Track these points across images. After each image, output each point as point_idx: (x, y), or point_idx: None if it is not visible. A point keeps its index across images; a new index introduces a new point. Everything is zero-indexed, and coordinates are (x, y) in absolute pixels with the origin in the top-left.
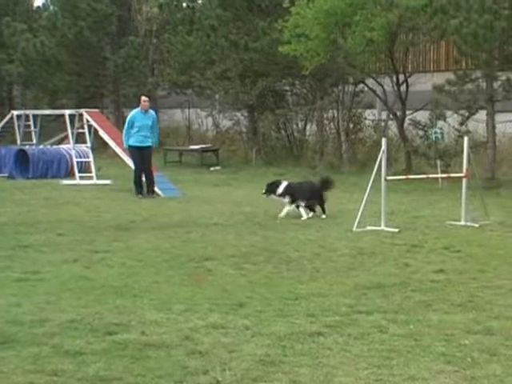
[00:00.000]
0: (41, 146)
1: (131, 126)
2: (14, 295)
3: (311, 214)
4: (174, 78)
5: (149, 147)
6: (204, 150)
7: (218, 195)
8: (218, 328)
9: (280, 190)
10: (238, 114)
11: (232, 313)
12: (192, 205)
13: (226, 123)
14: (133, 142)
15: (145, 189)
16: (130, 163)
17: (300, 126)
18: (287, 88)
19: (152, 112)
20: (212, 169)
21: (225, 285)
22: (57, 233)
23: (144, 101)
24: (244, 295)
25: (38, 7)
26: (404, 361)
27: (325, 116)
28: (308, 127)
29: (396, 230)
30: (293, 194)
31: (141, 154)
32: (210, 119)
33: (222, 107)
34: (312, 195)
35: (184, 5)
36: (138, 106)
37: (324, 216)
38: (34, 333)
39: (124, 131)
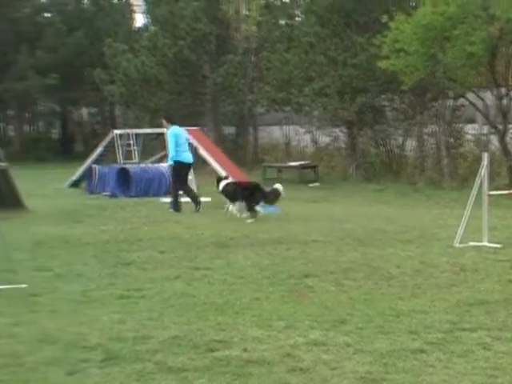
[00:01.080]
0: (142, 165)
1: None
2: (118, 312)
3: (247, 215)
4: (272, 95)
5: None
6: (303, 167)
7: (316, 211)
8: (319, 345)
9: (220, 187)
10: (337, 131)
11: (333, 330)
12: (291, 221)
13: (324, 139)
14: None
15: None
16: (230, 180)
17: (399, 141)
18: (386, 103)
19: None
20: (311, 185)
21: (325, 301)
22: (158, 250)
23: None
24: (345, 312)
25: (139, 28)
26: (509, 379)
27: (424, 131)
28: (407, 142)
29: (499, 245)
30: (229, 192)
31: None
32: (308, 136)
33: (321, 124)
34: (251, 196)
35: (282, 22)
36: (236, 123)
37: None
38: (137, 349)
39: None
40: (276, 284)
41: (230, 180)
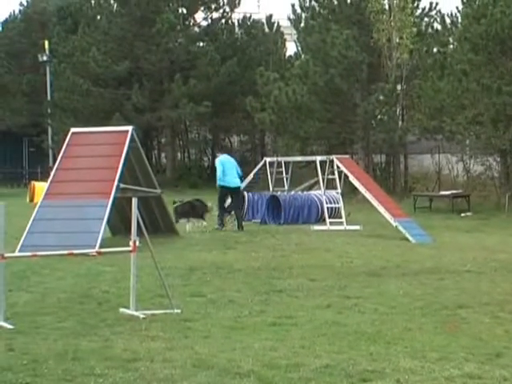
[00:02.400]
0: (292, 192)
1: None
2: (269, 339)
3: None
4: (424, 123)
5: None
6: (454, 196)
7: (469, 241)
8: (475, 378)
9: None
10: (490, 159)
11: (488, 363)
12: (443, 251)
13: (477, 168)
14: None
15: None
16: (380, 208)
17: None
18: None
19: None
20: (463, 215)
21: (480, 333)
22: (309, 278)
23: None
24: (500, 345)
25: (290, 56)
26: None
27: None
28: None
29: None
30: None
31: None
32: (460, 164)
33: (473, 152)
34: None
35: (434, 50)
36: (386, 151)
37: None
38: (289, 377)
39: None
40: (429, 314)
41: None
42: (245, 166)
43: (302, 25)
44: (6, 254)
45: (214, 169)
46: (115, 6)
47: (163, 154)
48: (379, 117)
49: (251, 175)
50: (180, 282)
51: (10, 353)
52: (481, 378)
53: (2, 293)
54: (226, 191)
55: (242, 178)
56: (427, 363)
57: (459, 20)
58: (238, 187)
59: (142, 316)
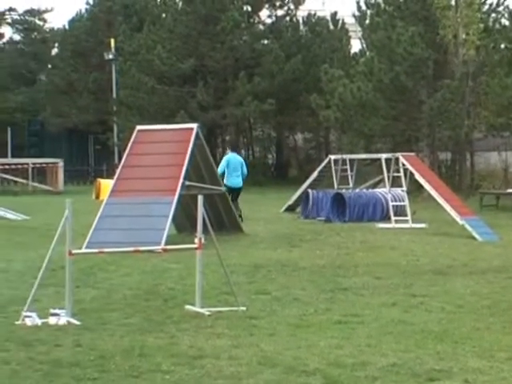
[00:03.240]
0: (357, 190)
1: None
2: (335, 337)
3: None
4: (491, 120)
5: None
6: None
7: None
8: None
9: None
10: None
11: None
12: (510, 249)
13: None
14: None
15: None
16: (446, 206)
17: None
18: None
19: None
20: None
21: None
22: (374, 276)
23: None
24: None
25: (355, 53)
26: None
27: None
28: None
29: None
30: None
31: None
32: None
33: None
34: None
35: (502, 46)
36: (452, 148)
37: None
38: (355, 375)
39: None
40: (497, 314)
41: None
42: (309, 163)
43: (367, 22)
44: (74, 251)
45: (278, 166)
46: (180, 3)
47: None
48: (445, 114)
49: (315, 173)
50: (245, 280)
51: (78, 348)
52: None
53: (69, 289)
54: (228, 190)
55: (245, 178)
56: (496, 363)
57: None
58: (239, 188)
59: (207, 313)
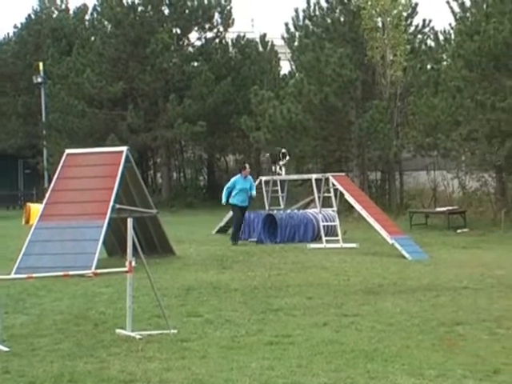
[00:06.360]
0: (288, 211)
1: (232, 188)
2: (267, 358)
3: None
4: (418, 140)
5: (246, 207)
6: (450, 212)
7: (466, 258)
8: None
9: None
10: (486, 175)
11: (487, 380)
12: (440, 268)
13: (472, 184)
14: (236, 201)
15: None
16: (376, 226)
17: None
18: None
19: (249, 177)
20: (459, 231)
21: (478, 350)
22: (306, 296)
23: (247, 168)
24: (499, 361)
25: (285, 75)
26: None
27: None
28: None
29: None
30: None
31: (241, 212)
32: (456, 181)
33: (469, 168)
34: None
35: (428, 67)
36: (381, 168)
37: None
38: None
39: (224, 189)
40: (426, 332)
41: None
42: None
43: (296, 43)
44: (2, 277)
45: (209, 188)
46: (109, 27)
47: (159, 174)
48: (374, 134)
49: None
50: (176, 302)
51: (6, 375)
52: None
53: None
54: (237, 209)
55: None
56: (425, 380)
57: (452, 37)
58: (247, 206)
59: (138, 337)
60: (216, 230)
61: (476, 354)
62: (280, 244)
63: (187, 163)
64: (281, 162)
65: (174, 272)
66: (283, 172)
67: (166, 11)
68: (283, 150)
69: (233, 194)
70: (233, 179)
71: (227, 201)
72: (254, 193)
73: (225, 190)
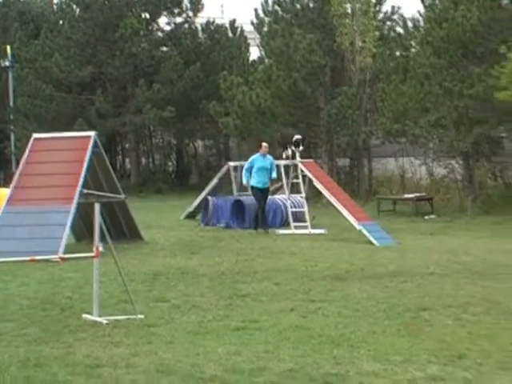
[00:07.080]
0: None
1: (251, 167)
2: (233, 344)
3: None
4: (387, 126)
5: (267, 188)
6: (418, 199)
7: (433, 244)
8: (438, 380)
9: None
10: (453, 162)
11: (451, 365)
12: (407, 254)
13: (440, 171)
14: (256, 183)
15: None
16: (344, 212)
17: None
18: (504, 135)
19: (269, 157)
20: (427, 217)
21: (443, 336)
22: (273, 282)
23: (265, 146)
24: (463, 347)
25: (254, 60)
26: None
27: None
28: None
29: None
30: None
31: (262, 194)
32: (423, 167)
33: (437, 155)
34: None
35: (397, 54)
36: (350, 155)
37: None
38: (253, 381)
39: (244, 170)
40: (392, 317)
41: None
42: (210, 170)
43: (265, 29)
44: None
45: (178, 174)
46: (78, 10)
47: (127, 160)
48: (343, 121)
49: (215, 180)
50: (144, 288)
51: None
52: (444, 380)
53: None
54: (257, 191)
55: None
56: (390, 366)
57: (421, 24)
58: (268, 188)
59: (105, 322)
60: (184, 216)
61: (441, 339)
62: (248, 229)
63: (156, 149)
64: (299, 148)
65: (142, 257)
66: (298, 158)
67: None
68: (299, 137)
69: (252, 173)
70: (251, 158)
71: (247, 182)
72: (274, 174)
73: (244, 171)
